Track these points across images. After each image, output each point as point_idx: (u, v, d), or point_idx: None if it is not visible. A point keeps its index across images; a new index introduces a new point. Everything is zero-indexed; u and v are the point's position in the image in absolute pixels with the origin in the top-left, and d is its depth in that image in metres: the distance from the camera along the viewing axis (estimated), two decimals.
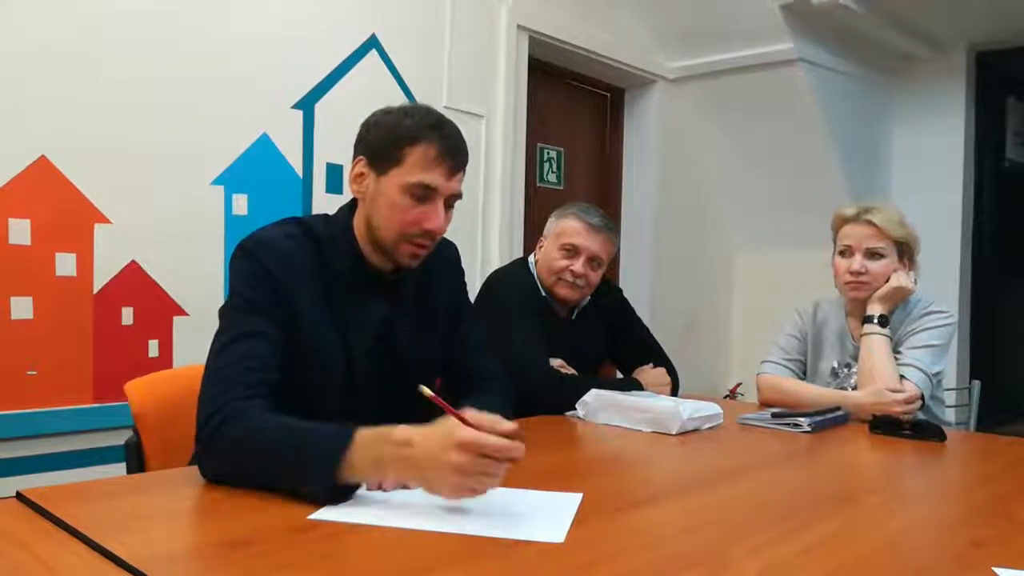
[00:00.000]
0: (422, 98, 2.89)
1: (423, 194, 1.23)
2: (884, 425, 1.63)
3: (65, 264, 2.11)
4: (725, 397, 4.02)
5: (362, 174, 1.27)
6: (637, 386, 1.91)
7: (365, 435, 0.97)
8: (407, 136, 1.22)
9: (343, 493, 0.96)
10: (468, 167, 1.31)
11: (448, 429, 0.93)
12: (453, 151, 1.24)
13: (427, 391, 1.00)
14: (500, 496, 0.97)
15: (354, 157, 1.28)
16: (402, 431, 0.96)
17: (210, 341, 1.17)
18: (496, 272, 2.10)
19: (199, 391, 1.10)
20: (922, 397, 1.78)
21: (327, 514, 0.91)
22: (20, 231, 2.03)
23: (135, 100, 2.21)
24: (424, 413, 1.34)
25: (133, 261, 2.23)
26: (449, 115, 1.30)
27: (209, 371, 1.12)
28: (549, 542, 0.84)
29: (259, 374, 1.11)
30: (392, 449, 0.94)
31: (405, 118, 1.23)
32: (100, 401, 2.16)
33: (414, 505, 0.95)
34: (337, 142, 2.66)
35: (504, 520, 0.91)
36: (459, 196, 1.28)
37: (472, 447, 0.90)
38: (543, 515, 0.93)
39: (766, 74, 3.74)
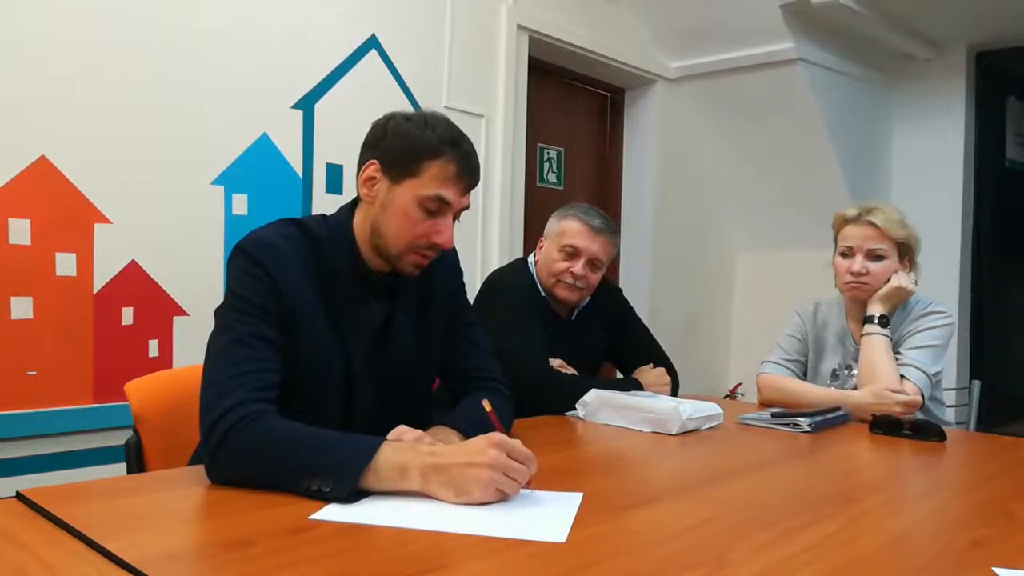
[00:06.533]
0: (422, 98, 2.89)
1: (436, 208, 1.24)
2: (884, 425, 1.63)
3: (65, 264, 2.11)
4: (725, 397, 4.02)
5: (373, 178, 1.26)
6: (637, 386, 1.91)
7: (393, 443, 1.01)
8: (428, 149, 1.22)
9: (361, 496, 0.97)
10: None
11: (477, 437, 1.00)
12: (471, 169, 1.26)
13: (488, 405, 1.14)
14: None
15: (366, 159, 1.27)
16: (429, 444, 1.04)
17: None
18: (496, 272, 2.10)
19: (200, 392, 1.09)
20: (922, 396, 1.78)
21: (327, 514, 0.91)
22: (20, 231, 2.03)
23: (135, 100, 2.21)
24: (423, 415, 1.34)
25: (133, 261, 2.23)
26: (449, 115, 1.30)
27: (211, 372, 1.11)
28: (551, 542, 0.84)
29: (265, 377, 1.11)
30: (419, 456, 0.99)
31: (426, 129, 1.23)
32: (100, 401, 2.16)
33: (414, 505, 0.95)
34: (337, 142, 2.66)
35: (505, 520, 0.91)
36: (467, 208, 1.30)
37: (504, 446, 0.98)
38: (544, 515, 0.94)
39: (766, 74, 3.74)
